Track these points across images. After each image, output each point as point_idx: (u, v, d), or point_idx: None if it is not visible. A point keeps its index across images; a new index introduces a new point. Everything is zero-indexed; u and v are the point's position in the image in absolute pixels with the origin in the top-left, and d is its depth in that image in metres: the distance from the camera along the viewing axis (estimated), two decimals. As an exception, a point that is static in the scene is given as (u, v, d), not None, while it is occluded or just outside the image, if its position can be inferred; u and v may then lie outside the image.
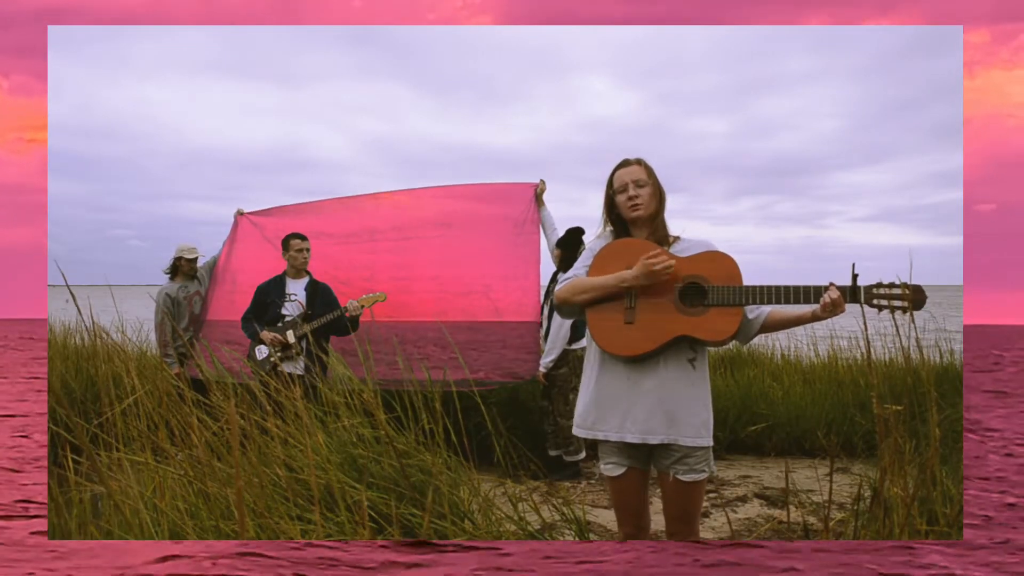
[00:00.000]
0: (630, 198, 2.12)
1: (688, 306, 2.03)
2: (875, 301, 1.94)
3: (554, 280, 4.73)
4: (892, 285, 1.93)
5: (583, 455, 4.61)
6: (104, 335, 2.68)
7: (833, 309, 1.93)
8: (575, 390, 4.63)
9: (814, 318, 2.01)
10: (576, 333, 4.61)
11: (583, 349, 4.70)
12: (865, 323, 2.01)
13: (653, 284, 2.03)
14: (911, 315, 1.94)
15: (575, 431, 2.19)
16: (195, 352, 4.48)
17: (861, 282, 1.95)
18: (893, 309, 1.92)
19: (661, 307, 2.04)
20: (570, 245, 4.58)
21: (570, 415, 4.52)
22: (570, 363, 4.58)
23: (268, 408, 2.59)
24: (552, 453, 4.69)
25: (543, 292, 4.73)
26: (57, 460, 2.37)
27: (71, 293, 2.14)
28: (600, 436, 2.12)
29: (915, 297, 1.91)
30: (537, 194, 4.80)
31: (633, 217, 2.14)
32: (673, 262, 2.01)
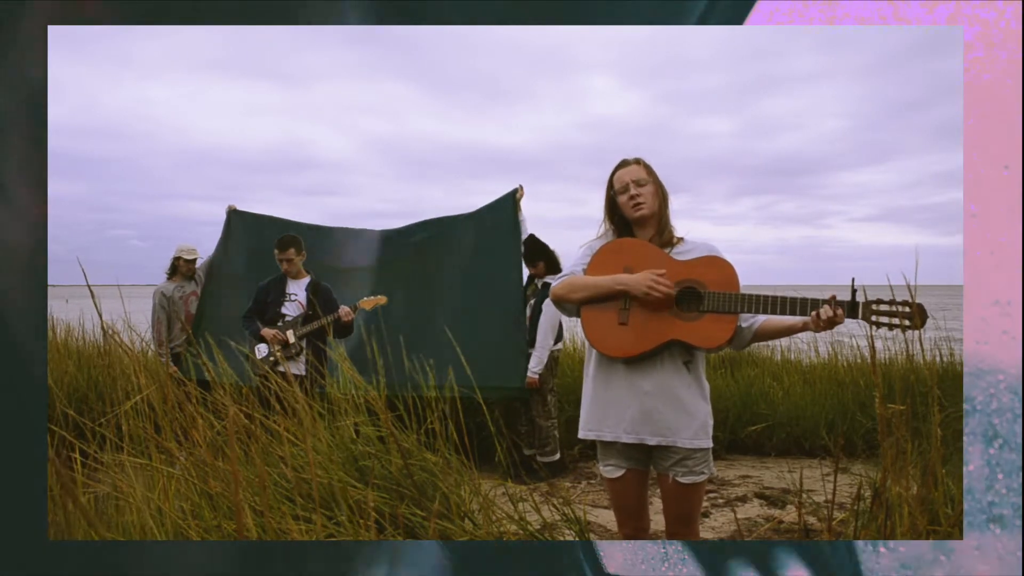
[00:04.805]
0: (632, 197, 2.09)
1: (683, 311, 2.01)
2: (874, 318, 1.89)
3: (531, 284, 4.76)
4: (892, 302, 1.88)
5: (557, 456, 4.63)
6: (115, 335, 2.69)
7: (827, 325, 1.89)
8: (552, 391, 4.66)
9: (805, 328, 1.98)
10: (557, 335, 4.65)
11: (558, 350, 4.74)
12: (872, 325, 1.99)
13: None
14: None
15: (581, 434, 2.15)
16: (195, 351, 4.48)
17: (861, 283, 1.91)
18: (892, 327, 1.87)
19: (656, 310, 2.02)
20: (540, 252, 4.67)
21: (548, 416, 4.57)
22: (548, 364, 4.60)
23: (276, 406, 2.60)
24: (527, 452, 4.73)
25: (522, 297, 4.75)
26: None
27: (91, 292, 2.14)
28: (594, 436, 2.11)
29: (917, 316, 1.85)
30: (516, 200, 4.85)
31: (637, 217, 2.11)
32: (671, 293, 2.00)
